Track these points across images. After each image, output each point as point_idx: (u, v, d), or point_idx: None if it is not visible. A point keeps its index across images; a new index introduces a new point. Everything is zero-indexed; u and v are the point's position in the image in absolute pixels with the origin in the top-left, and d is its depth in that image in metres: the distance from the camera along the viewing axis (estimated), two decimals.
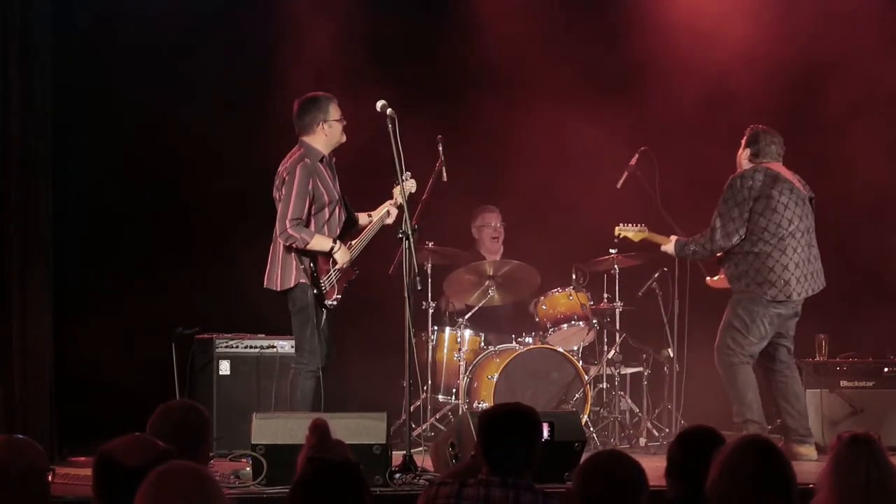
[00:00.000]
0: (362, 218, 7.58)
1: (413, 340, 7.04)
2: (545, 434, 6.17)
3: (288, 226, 7.17)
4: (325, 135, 7.37)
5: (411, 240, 7.03)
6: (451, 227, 9.27)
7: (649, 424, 8.78)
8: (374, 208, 7.56)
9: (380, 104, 7.08)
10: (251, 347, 8.36)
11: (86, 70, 8.66)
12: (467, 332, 8.88)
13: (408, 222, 7.06)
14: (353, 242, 7.45)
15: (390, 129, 6.98)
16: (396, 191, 7.33)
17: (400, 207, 7.21)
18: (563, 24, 9.65)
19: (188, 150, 8.96)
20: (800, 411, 7.98)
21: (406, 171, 7.21)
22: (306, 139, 7.39)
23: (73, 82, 8.46)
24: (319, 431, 4.38)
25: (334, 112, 7.39)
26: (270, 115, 8.65)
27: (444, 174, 7.64)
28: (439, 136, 7.69)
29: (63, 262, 8.18)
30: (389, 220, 7.50)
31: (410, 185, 7.33)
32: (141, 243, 8.96)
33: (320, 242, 7.26)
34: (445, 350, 8.89)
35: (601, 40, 9.57)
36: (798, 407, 7.98)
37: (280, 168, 7.34)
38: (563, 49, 9.47)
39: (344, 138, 7.43)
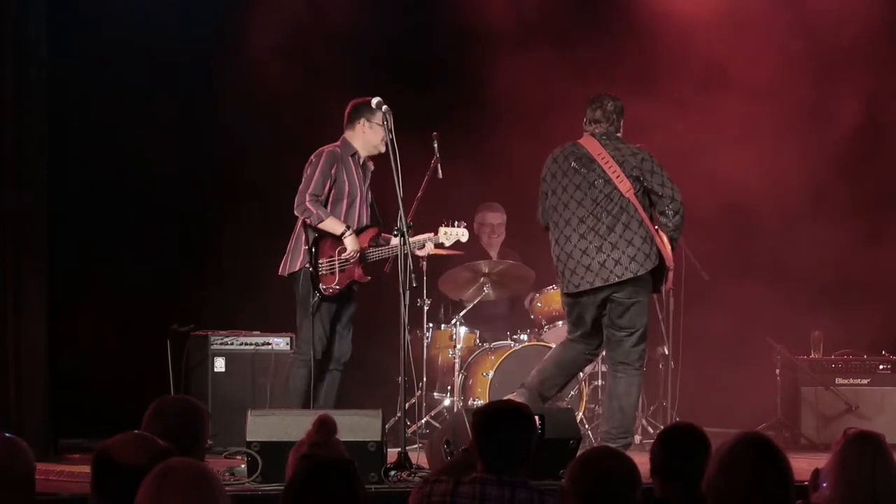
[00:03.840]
0: (394, 240, 7.55)
1: (408, 337, 7.05)
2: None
3: (307, 198, 7.35)
4: (364, 133, 7.52)
5: (407, 237, 7.06)
6: (448, 225, 9.26)
7: (644, 421, 8.78)
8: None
9: (375, 100, 7.12)
10: (246, 344, 8.36)
11: (82, 65, 8.66)
12: (462, 330, 8.88)
13: (403, 220, 7.10)
14: (373, 248, 7.52)
15: (385, 126, 7.01)
16: (442, 230, 7.59)
17: (393, 201, 7.25)
18: (564, 20, 9.65)
19: (186, 147, 8.97)
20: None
21: (462, 221, 7.59)
22: (347, 134, 7.58)
23: (69, 77, 8.45)
24: (326, 428, 4.37)
25: (379, 117, 7.39)
26: (275, 111, 8.64)
27: (440, 171, 7.65)
28: (434, 133, 7.70)
29: (59, 257, 8.17)
30: (421, 252, 7.60)
31: (461, 234, 7.60)
32: (137, 240, 8.96)
33: (333, 224, 7.39)
34: (440, 347, 8.90)
35: (603, 37, 9.57)
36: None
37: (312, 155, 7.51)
38: (563, 45, 9.47)
39: (383, 148, 7.45)
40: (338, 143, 7.55)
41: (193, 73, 8.93)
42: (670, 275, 7.39)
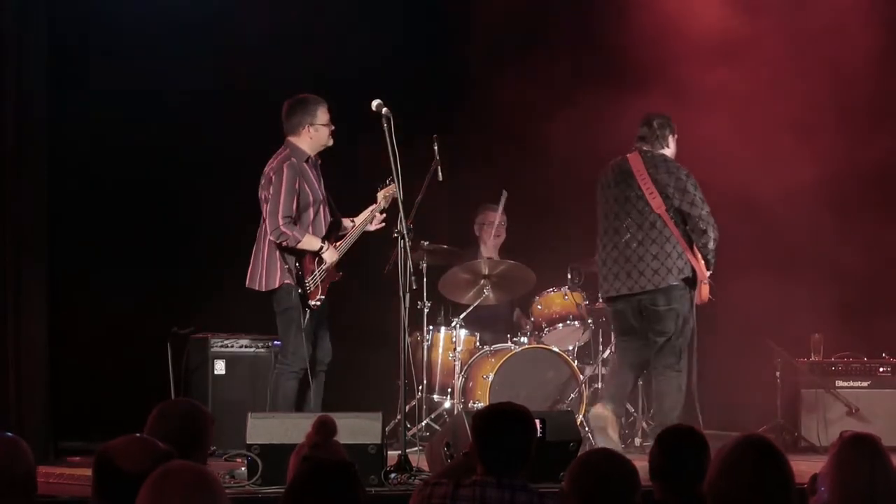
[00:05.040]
0: (345, 222, 7.64)
1: (408, 340, 7.04)
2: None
3: (281, 223, 7.24)
4: (311, 137, 7.47)
5: (407, 239, 7.06)
6: (448, 227, 9.27)
7: (644, 424, 8.79)
8: (358, 212, 7.63)
9: (375, 103, 7.11)
10: (246, 347, 8.36)
11: (83, 65, 8.66)
12: (462, 332, 8.88)
13: (403, 222, 7.10)
14: (339, 243, 7.51)
15: (385, 129, 7.01)
16: (380, 195, 7.43)
17: (392, 207, 7.25)
18: (562, 22, 9.64)
19: (186, 149, 8.97)
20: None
21: (391, 176, 7.24)
22: (292, 140, 7.48)
23: (70, 77, 8.45)
24: (326, 429, 4.38)
25: (322, 116, 7.47)
26: (271, 114, 8.63)
27: (440, 174, 7.65)
28: (434, 136, 7.69)
29: (59, 257, 8.18)
30: (372, 227, 7.57)
31: (394, 191, 7.34)
32: (138, 241, 8.96)
33: (310, 242, 7.34)
34: (441, 350, 8.89)
35: (600, 37, 9.56)
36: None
37: (266, 168, 7.43)
38: (561, 46, 9.47)
39: (331, 142, 7.53)
40: (286, 150, 7.42)
41: (194, 74, 8.92)
42: (704, 288, 7.82)
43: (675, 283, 7.71)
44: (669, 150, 7.92)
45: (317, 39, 9.13)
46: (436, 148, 7.68)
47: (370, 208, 7.56)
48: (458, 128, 9.04)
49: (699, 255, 7.79)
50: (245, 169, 8.74)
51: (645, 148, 7.88)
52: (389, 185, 7.42)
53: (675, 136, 7.99)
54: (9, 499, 3.54)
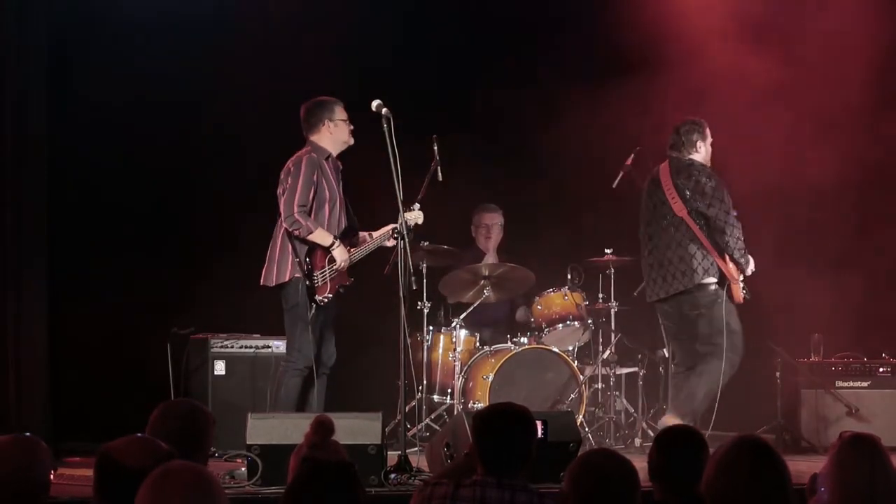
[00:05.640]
0: (362, 235, 7.61)
1: (408, 340, 7.05)
2: (539, 433, 6.17)
3: (295, 210, 7.27)
4: (331, 133, 7.49)
5: (406, 239, 7.06)
6: (448, 227, 9.26)
7: (644, 424, 8.79)
8: (377, 227, 7.62)
9: (375, 104, 7.11)
10: (246, 347, 8.37)
11: (83, 66, 8.66)
12: (462, 332, 8.88)
13: (405, 224, 7.10)
14: (353, 250, 7.50)
15: (385, 129, 7.01)
16: (404, 216, 7.41)
17: (392, 207, 7.25)
18: (561, 22, 9.64)
19: (188, 148, 8.97)
20: None
21: (416, 202, 7.35)
22: (313, 138, 7.51)
23: (70, 79, 8.46)
24: (324, 429, 4.39)
25: (339, 113, 7.50)
26: (273, 113, 8.66)
27: (440, 174, 7.65)
28: (434, 136, 7.69)
29: (59, 258, 8.18)
30: (390, 244, 7.56)
31: (417, 216, 7.39)
32: (138, 242, 8.97)
33: (322, 236, 7.34)
34: (440, 350, 8.89)
35: (599, 38, 9.56)
36: None
37: (286, 164, 7.41)
38: (561, 47, 9.47)
39: (351, 140, 7.52)
40: (307, 148, 7.46)
41: (194, 77, 8.93)
42: (735, 287, 8.00)
43: (703, 282, 7.90)
44: (700, 155, 8.06)
45: (317, 41, 9.13)
46: (435, 148, 7.67)
47: (390, 226, 7.55)
48: (458, 128, 9.03)
49: (727, 256, 7.98)
50: (246, 170, 8.80)
51: (674, 155, 8.05)
52: (413, 210, 7.40)
53: (707, 139, 8.09)
54: (23, 499, 3.55)
